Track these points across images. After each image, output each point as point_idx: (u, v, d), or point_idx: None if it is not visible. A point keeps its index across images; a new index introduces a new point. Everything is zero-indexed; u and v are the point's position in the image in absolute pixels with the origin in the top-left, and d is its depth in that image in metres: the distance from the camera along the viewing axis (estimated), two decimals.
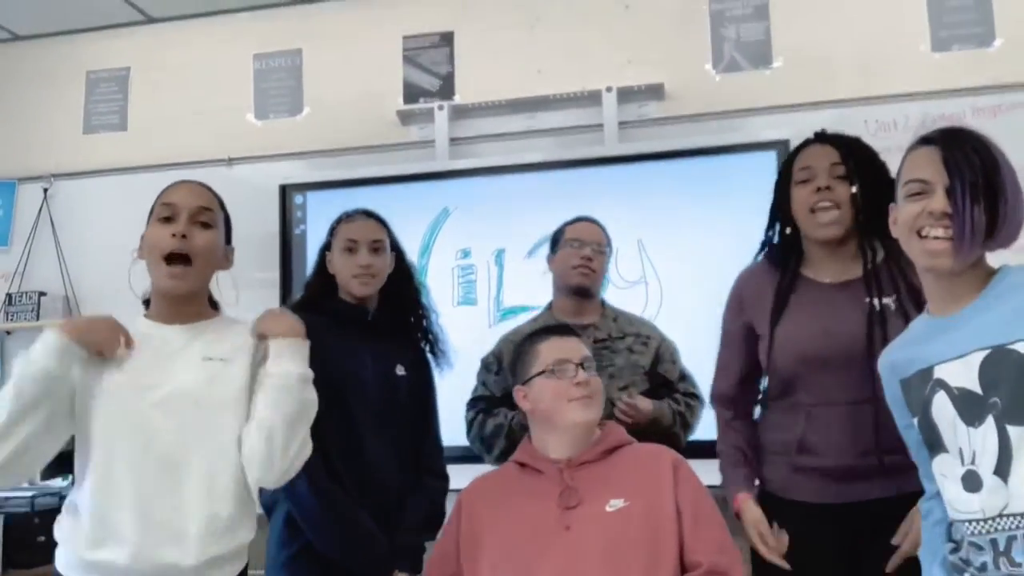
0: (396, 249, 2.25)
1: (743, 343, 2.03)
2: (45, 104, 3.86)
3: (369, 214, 2.24)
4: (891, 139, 3.07)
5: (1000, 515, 1.29)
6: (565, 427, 1.91)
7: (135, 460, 1.56)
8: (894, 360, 1.49)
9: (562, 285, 2.40)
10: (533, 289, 2.98)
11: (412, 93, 3.54)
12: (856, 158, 1.89)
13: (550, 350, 1.94)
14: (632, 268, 3.11)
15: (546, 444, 1.93)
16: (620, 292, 3.07)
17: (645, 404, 2.25)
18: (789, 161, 1.98)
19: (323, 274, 2.22)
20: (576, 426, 1.90)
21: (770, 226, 2.02)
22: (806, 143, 1.97)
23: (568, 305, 2.40)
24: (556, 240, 2.44)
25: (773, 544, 1.89)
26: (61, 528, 1.62)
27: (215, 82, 3.69)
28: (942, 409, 1.36)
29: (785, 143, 3.02)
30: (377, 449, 2.07)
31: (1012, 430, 1.28)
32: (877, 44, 3.17)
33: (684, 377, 2.43)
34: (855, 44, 3.18)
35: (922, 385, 1.40)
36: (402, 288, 2.24)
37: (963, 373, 1.34)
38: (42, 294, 3.61)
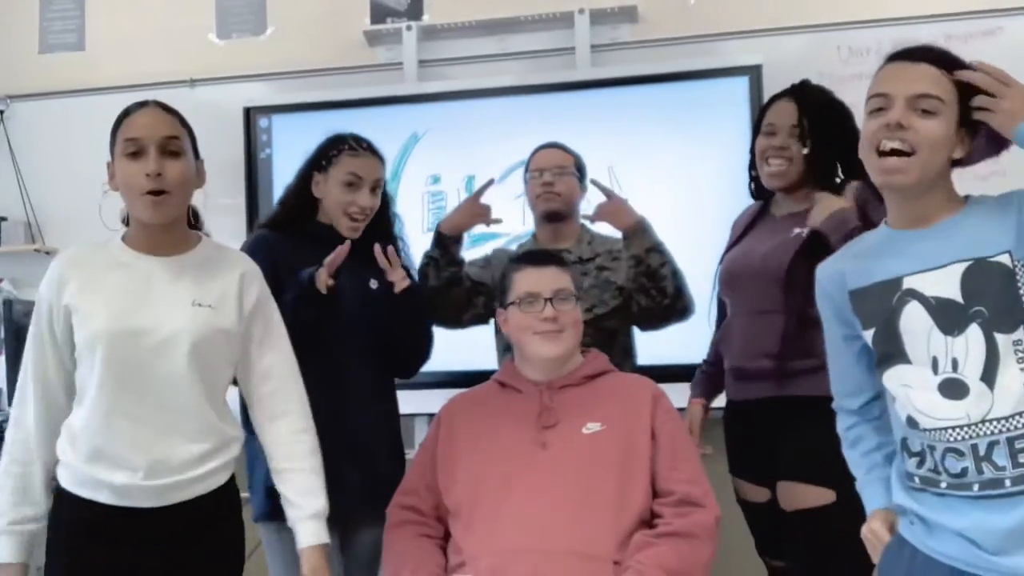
0: (384, 190, 2.24)
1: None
2: None
3: (374, 151, 2.19)
4: (864, 65, 3.05)
5: (983, 420, 1.31)
6: (531, 358, 1.94)
7: (131, 403, 1.63)
8: (843, 270, 1.48)
9: (535, 215, 2.43)
10: (503, 215, 2.97)
11: (379, 12, 3.45)
12: (815, 118, 2.04)
13: (522, 280, 1.97)
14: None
15: (524, 367, 1.97)
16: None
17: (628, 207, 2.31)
18: (763, 111, 2.17)
19: (305, 195, 2.16)
20: (542, 359, 1.93)
21: (750, 167, 2.19)
22: (777, 97, 2.14)
23: (544, 232, 2.43)
24: (527, 166, 2.45)
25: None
26: (62, 450, 1.66)
27: (176, 0, 3.57)
28: (914, 319, 1.37)
29: (758, 68, 3.00)
30: (361, 372, 2.10)
31: (1000, 337, 1.31)
32: None
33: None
34: None
35: (886, 295, 1.40)
36: (380, 216, 2.21)
37: (942, 283, 1.35)
38: (2, 219, 3.54)
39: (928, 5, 3.06)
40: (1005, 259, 1.32)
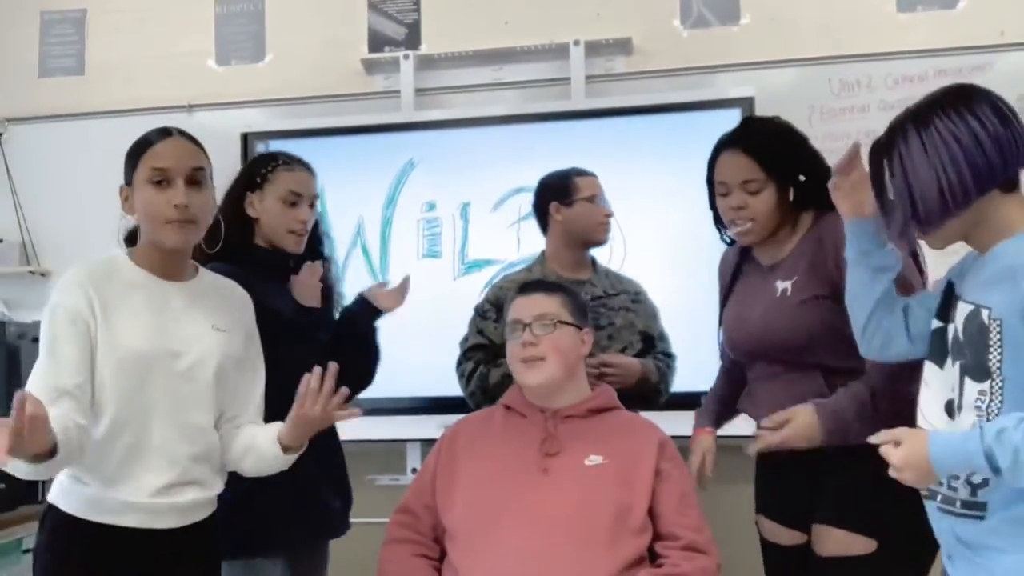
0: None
1: None
2: None
3: (307, 166, 2.14)
4: (854, 98, 3.11)
5: None
6: (522, 387, 1.96)
7: (154, 425, 1.63)
8: (959, 264, 1.53)
9: (578, 239, 2.39)
10: (498, 243, 2.99)
11: (377, 42, 3.48)
12: (767, 159, 1.90)
13: (511, 310, 1.99)
14: None
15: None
16: None
17: (631, 363, 2.26)
18: (711, 166, 2.00)
19: (241, 217, 2.04)
20: (527, 388, 1.94)
21: (716, 222, 2.05)
22: (720, 147, 1.97)
23: (569, 257, 2.40)
24: (565, 191, 2.39)
25: (697, 466, 2.03)
26: (71, 476, 1.62)
27: (175, 26, 3.60)
28: (950, 335, 1.45)
29: (750, 100, 3.04)
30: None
31: (968, 383, 1.38)
32: (843, 3, 3.17)
33: (663, 337, 2.45)
34: (822, 3, 3.18)
35: (953, 303, 1.47)
36: (310, 236, 2.14)
37: (960, 316, 1.43)
38: None
39: (918, 40, 3.11)
40: (986, 314, 1.37)
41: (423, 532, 1.91)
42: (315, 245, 2.17)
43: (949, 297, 1.49)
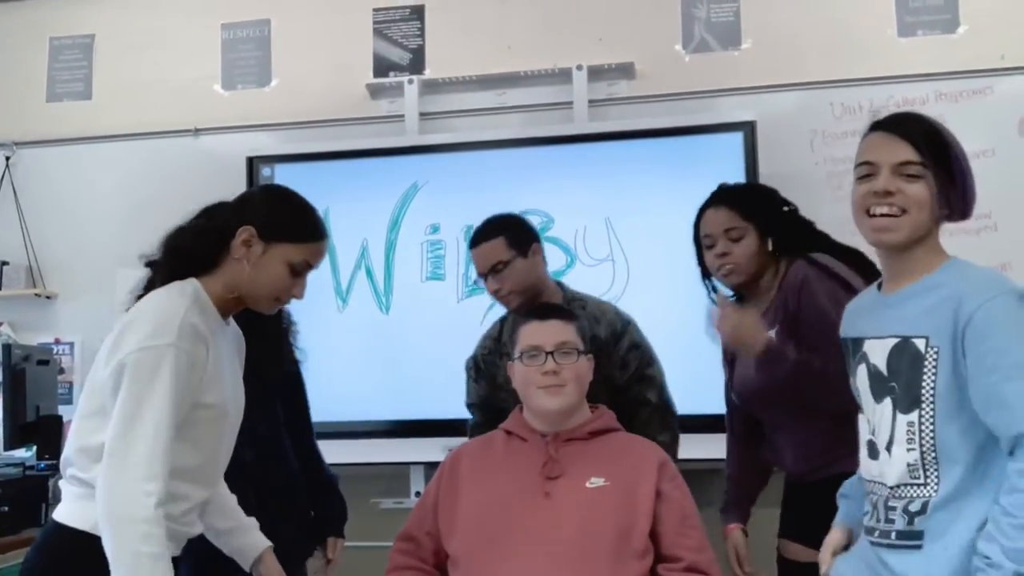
0: None
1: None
2: (7, 71, 3.78)
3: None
4: (856, 122, 3.11)
5: (882, 483, 1.47)
6: (535, 411, 1.95)
7: (215, 468, 1.68)
8: (845, 317, 1.62)
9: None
10: None
11: (382, 66, 3.52)
12: (748, 210, 2.07)
13: (526, 334, 1.98)
14: (600, 246, 3.14)
15: (530, 418, 1.98)
16: (588, 269, 3.10)
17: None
18: (696, 226, 2.15)
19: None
20: (544, 412, 1.94)
21: (704, 277, 2.19)
22: (703, 207, 2.14)
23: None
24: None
25: (733, 561, 2.13)
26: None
27: (182, 51, 3.64)
28: (862, 380, 1.51)
29: (752, 124, 3.05)
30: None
31: (900, 416, 1.42)
32: (844, 28, 3.20)
33: (667, 406, 2.32)
34: (823, 27, 3.21)
35: (854, 351, 1.54)
36: None
37: (880, 353, 1.47)
38: (4, 263, 3.56)
39: (919, 64, 3.13)
40: (921, 343, 1.40)
41: (425, 559, 1.91)
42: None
43: (847, 348, 1.56)
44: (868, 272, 1.88)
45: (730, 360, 2.18)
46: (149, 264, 1.68)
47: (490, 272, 2.23)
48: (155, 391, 1.47)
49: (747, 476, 2.21)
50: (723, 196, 2.13)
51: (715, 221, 2.09)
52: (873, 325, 1.50)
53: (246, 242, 1.62)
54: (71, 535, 1.58)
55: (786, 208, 2.12)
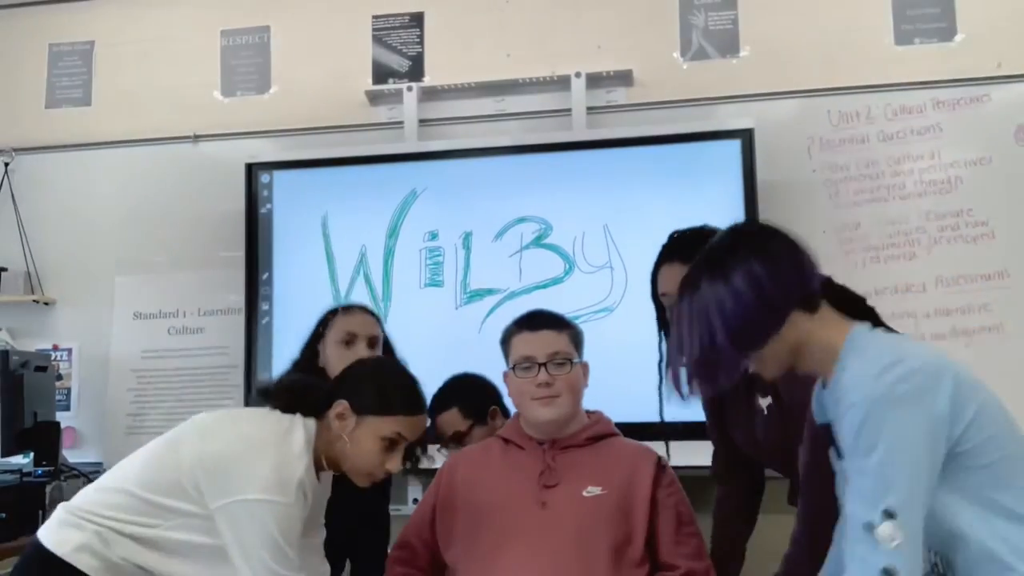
0: (387, 343, 2.18)
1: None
2: (6, 77, 3.78)
3: (366, 309, 2.19)
4: (853, 129, 3.14)
5: None
6: (530, 422, 1.95)
7: None
8: (813, 405, 1.55)
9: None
10: (499, 272, 3.00)
11: (381, 73, 3.52)
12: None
13: (518, 345, 1.96)
14: (598, 253, 3.14)
15: (527, 427, 1.98)
16: (586, 276, 3.10)
17: None
18: (654, 280, 2.03)
19: (314, 369, 2.07)
20: (539, 423, 1.93)
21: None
22: (657, 265, 2.02)
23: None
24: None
25: None
26: None
27: (181, 58, 3.64)
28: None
29: (750, 132, 3.06)
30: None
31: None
32: (842, 36, 3.20)
33: None
34: (820, 35, 3.22)
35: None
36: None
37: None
38: (3, 269, 3.55)
39: (916, 72, 3.13)
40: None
41: (422, 567, 1.91)
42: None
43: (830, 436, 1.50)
44: (865, 316, 1.84)
45: (709, 411, 2.08)
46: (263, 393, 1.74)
47: (451, 440, 2.29)
48: (263, 543, 1.52)
49: (733, 553, 2.10)
50: (675, 251, 1.98)
51: (671, 279, 1.89)
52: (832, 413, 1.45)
53: (340, 415, 1.64)
54: (50, 560, 1.58)
55: None
